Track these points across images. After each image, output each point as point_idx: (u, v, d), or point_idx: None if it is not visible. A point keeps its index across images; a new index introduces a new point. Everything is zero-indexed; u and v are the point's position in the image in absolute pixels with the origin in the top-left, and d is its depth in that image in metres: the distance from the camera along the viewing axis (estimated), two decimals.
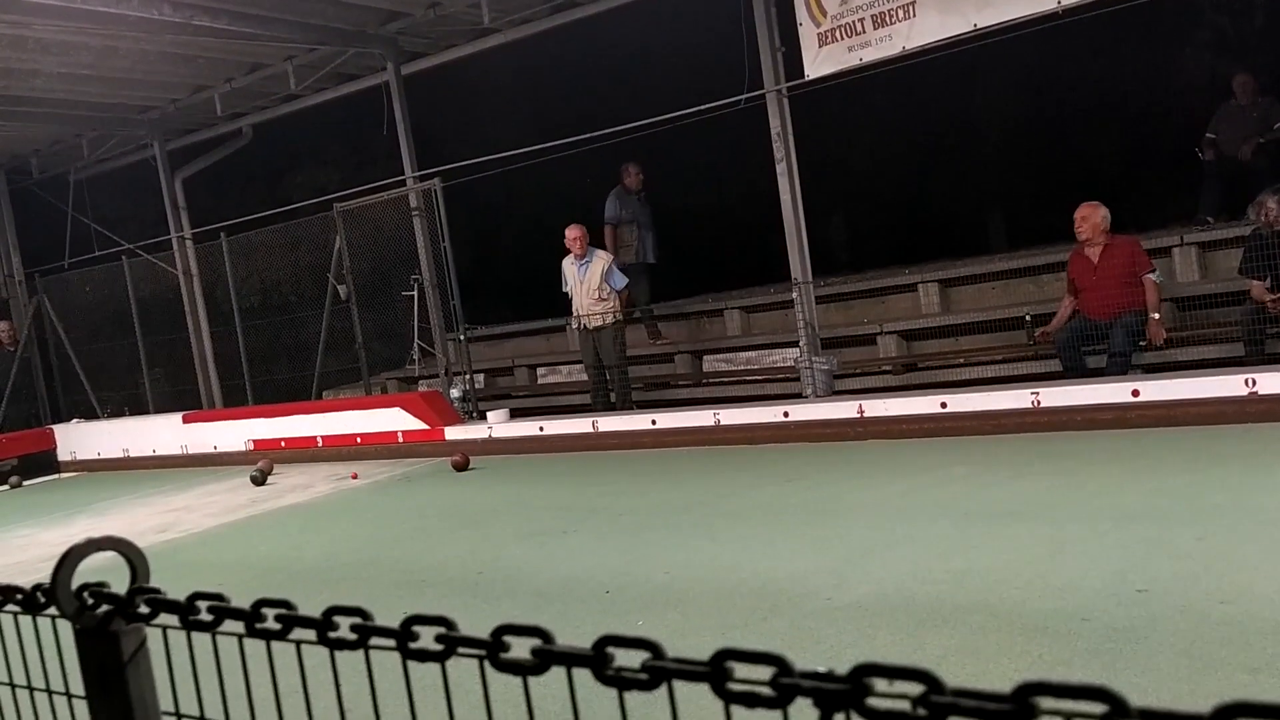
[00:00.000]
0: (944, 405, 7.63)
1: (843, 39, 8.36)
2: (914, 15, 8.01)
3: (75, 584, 1.11)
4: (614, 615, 4.34)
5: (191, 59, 11.28)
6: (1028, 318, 8.24)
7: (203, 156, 13.89)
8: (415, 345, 11.24)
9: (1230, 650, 3.16)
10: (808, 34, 8.51)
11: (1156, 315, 7.58)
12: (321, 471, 10.12)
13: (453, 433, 10.15)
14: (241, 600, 1.08)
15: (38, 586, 1.13)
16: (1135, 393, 6.91)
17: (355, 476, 9.46)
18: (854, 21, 8.28)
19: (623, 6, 10.34)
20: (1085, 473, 5.84)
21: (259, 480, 9.67)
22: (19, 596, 1.13)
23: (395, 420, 10.56)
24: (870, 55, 8.26)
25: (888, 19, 8.12)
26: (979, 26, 7.80)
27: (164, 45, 10.62)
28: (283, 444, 11.38)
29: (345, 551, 6.54)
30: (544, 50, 11.46)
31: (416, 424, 10.41)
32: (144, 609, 1.06)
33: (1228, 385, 6.62)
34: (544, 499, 7.56)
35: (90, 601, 1.10)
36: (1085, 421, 6.97)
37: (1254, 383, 6.50)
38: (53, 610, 1.11)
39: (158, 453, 12.65)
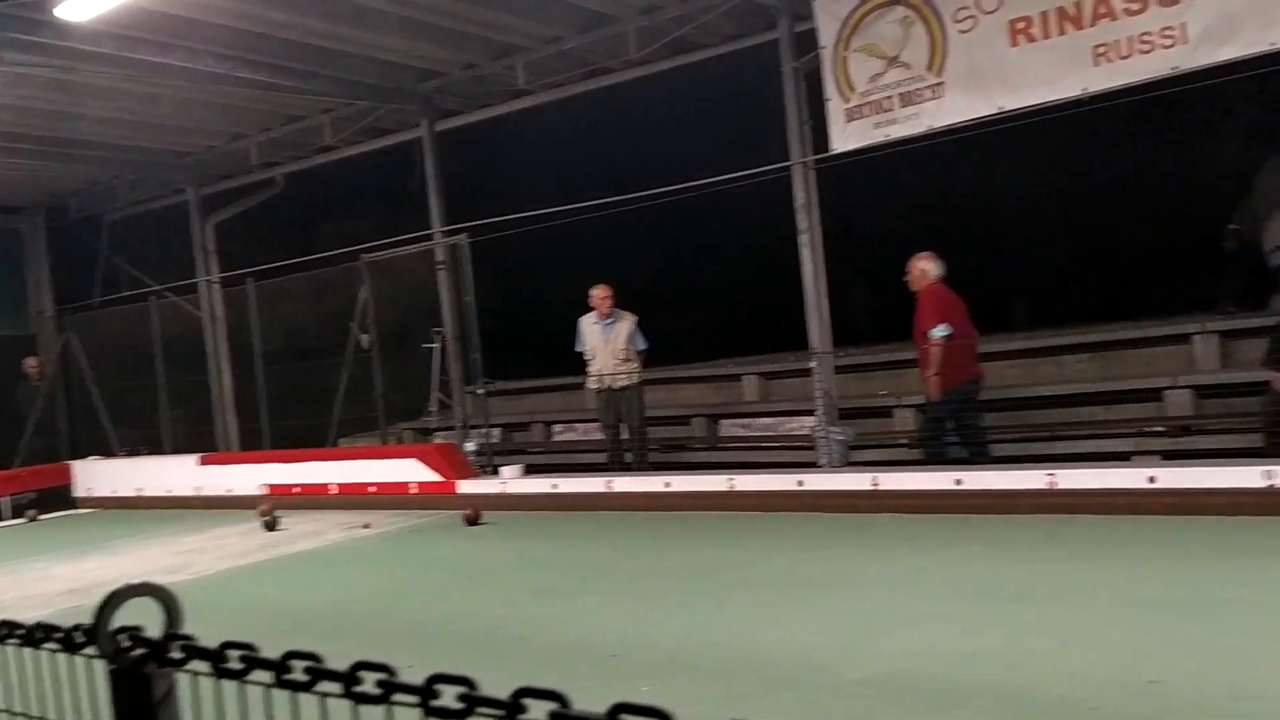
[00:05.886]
0: (959, 482, 7.61)
1: (870, 115, 8.49)
2: (941, 95, 8.14)
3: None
4: (621, 679, 4.32)
5: (231, 108, 11.54)
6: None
7: (235, 203, 14.13)
8: (434, 397, 11.30)
9: None
10: (835, 109, 8.65)
11: (929, 373, 8.18)
12: (334, 519, 10.13)
13: (466, 486, 10.17)
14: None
15: (77, 627, 1.17)
16: (1151, 479, 6.88)
17: (368, 526, 9.47)
18: (882, 99, 8.41)
19: (654, 75, 10.55)
20: (1099, 558, 5.80)
21: (271, 525, 9.70)
22: (58, 635, 1.17)
23: (410, 471, 10.59)
24: (897, 132, 8.38)
25: (915, 98, 8.25)
26: (1005, 109, 7.91)
27: (205, 94, 10.87)
28: (297, 489, 11.41)
29: (353, 601, 6.54)
30: (575, 113, 11.66)
31: (431, 476, 10.43)
32: (177, 654, 1.10)
33: (1247, 476, 6.57)
34: (555, 557, 7.55)
35: (126, 644, 1.14)
36: (1101, 506, 6.92)
37: (1273, 475, 6.45)
38: (87, 650, 1.15)
39: (172, 493, 12.69)
